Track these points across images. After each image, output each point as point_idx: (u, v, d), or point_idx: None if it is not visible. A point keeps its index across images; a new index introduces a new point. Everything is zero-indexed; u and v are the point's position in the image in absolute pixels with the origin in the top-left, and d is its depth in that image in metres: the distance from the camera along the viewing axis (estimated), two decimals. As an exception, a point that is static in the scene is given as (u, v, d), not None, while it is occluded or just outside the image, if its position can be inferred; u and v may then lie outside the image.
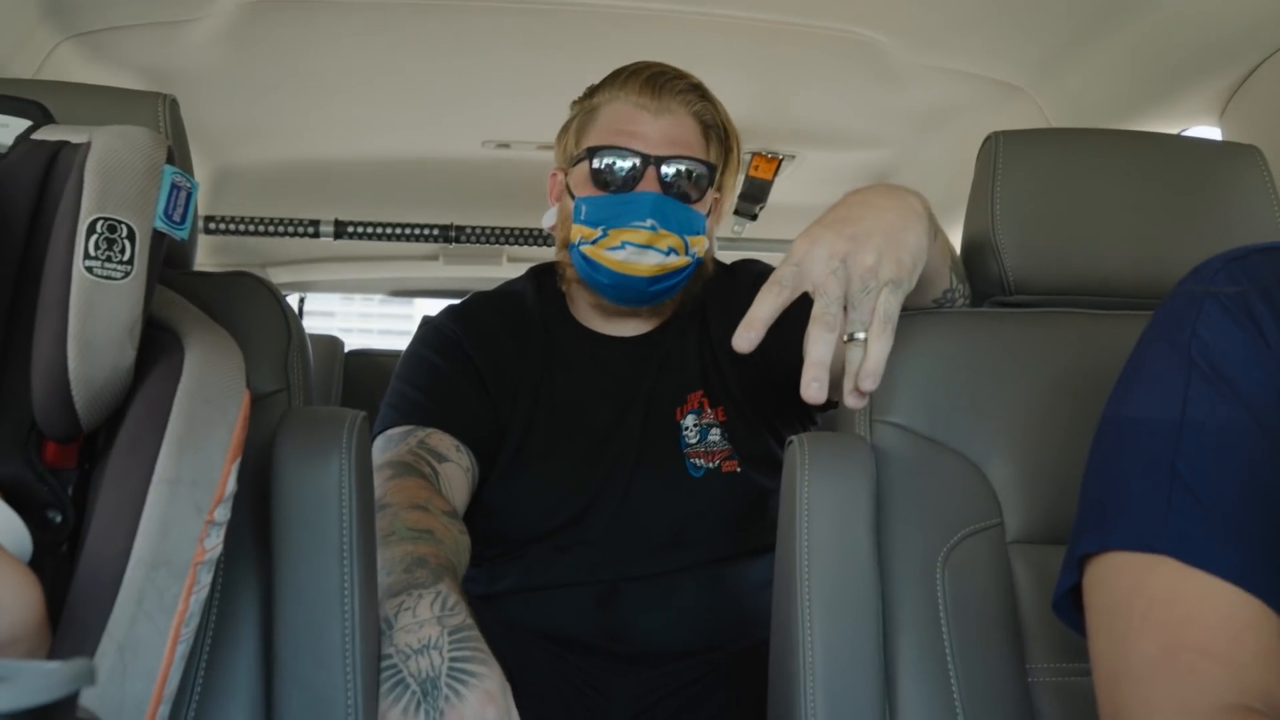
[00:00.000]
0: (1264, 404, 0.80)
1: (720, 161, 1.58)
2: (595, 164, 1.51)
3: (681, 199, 1.50)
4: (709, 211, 1.57)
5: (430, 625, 1.04)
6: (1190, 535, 0.78)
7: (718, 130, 1.57)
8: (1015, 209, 1.29)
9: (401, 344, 1.82)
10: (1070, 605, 0.87)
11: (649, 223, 1.47)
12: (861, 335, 0.98)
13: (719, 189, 1.60)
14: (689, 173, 1.51)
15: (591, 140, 1.54)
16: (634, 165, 1.49)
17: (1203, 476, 0.79)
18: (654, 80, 1.53)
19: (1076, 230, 1.29)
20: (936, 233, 1.12)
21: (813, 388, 0.96)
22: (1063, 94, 2.08)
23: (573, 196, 1.54)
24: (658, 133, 1.51)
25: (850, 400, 0.99)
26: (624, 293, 1.53)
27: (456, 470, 1.42)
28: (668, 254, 1.48)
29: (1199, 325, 0.84)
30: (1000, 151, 1.31)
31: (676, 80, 1.54)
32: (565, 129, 1.62)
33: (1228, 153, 1.35)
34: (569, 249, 1.54)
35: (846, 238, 1.00)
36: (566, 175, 1.58)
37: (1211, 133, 1.86)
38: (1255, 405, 0.80)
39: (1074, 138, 1.37)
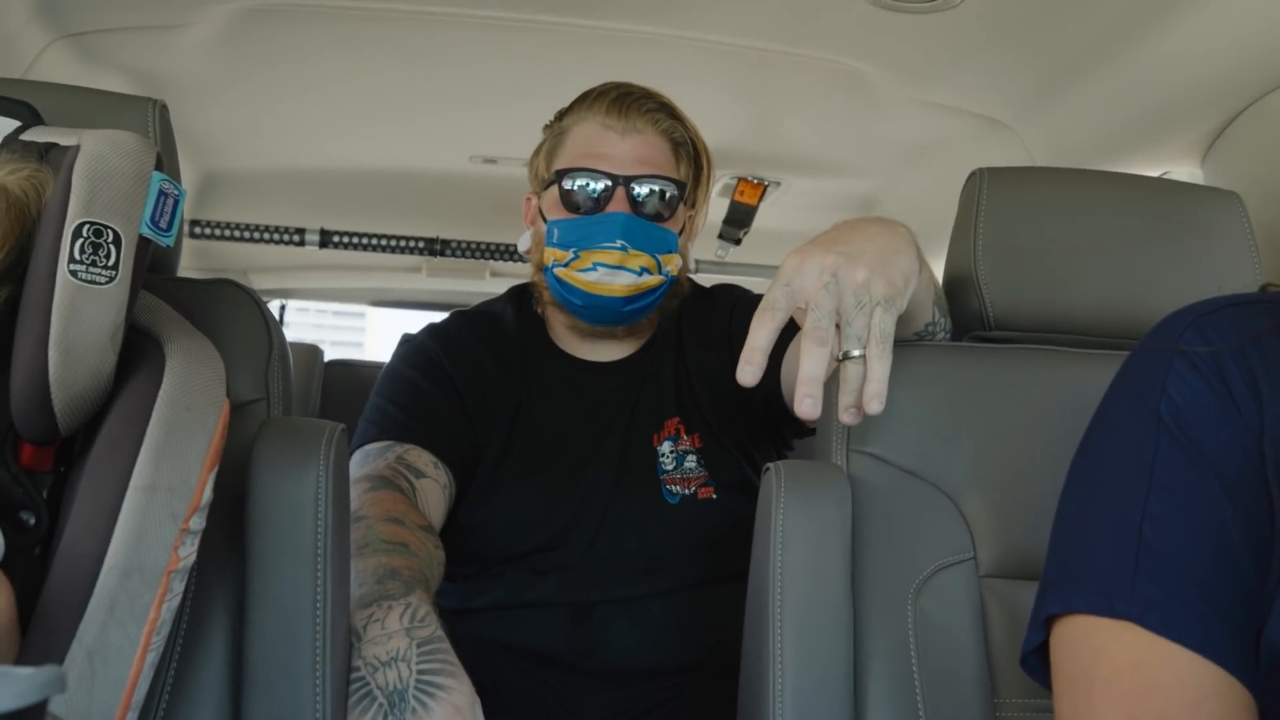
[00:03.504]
0: (1232, 468, 0.80)
1: (690, 179, 1.58)
2: (565, 186, 1.52)
3: (653, 218, 1.51)
4: (681, 229, 1.57)
5: (399, 637, 1.04)
6: (1155, 602, 0.77)
7: (687, 148, 1.58)
8: (998, 245, 1.30)
9: (352, 355, 1.82)
10: (1037, 661, 0.87)
11: (619, 243, 1.47)
12: (857, 353, 0.98)
13: (691, 206, 1.61)
14: (659, 192, 1.51)
15: (561, 163, 1.55)
16: (603, 186, 1.50)
17: (1169, 541, 0.79)
18: (620, 100, 1.54)
19: (1058, 268, 1.30)
20: (922, 265, 1.12)
21: (806, 404, 0.96)
22: (1047, 131, 2.10)
23: (545, 220, 1.55)
24: (625, 153, 1.51)
25: (846, 417, 0.99)
26: (598, 313, 1.53)
27: (434, 486, 1.42)
28: (640, 274, 1.49)
29: (1169, 384, 0.83)
30: (984, 188, 1.32)
31: (644, 100, 1.55)
32: (536, 153, 1.62)
33: (1209, 198, 1.37)
34: (543, 272, 1.55)
35: (837, 253, 1.00)
36: (539, 198, 1.59)
37: (1193, 176, 1.88)
38: (1223, 469, 0.80)
39: (1057, 176, 1.39)
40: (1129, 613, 0.78)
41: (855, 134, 2.43)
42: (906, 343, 1.25)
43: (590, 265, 1.48)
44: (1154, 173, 1.94)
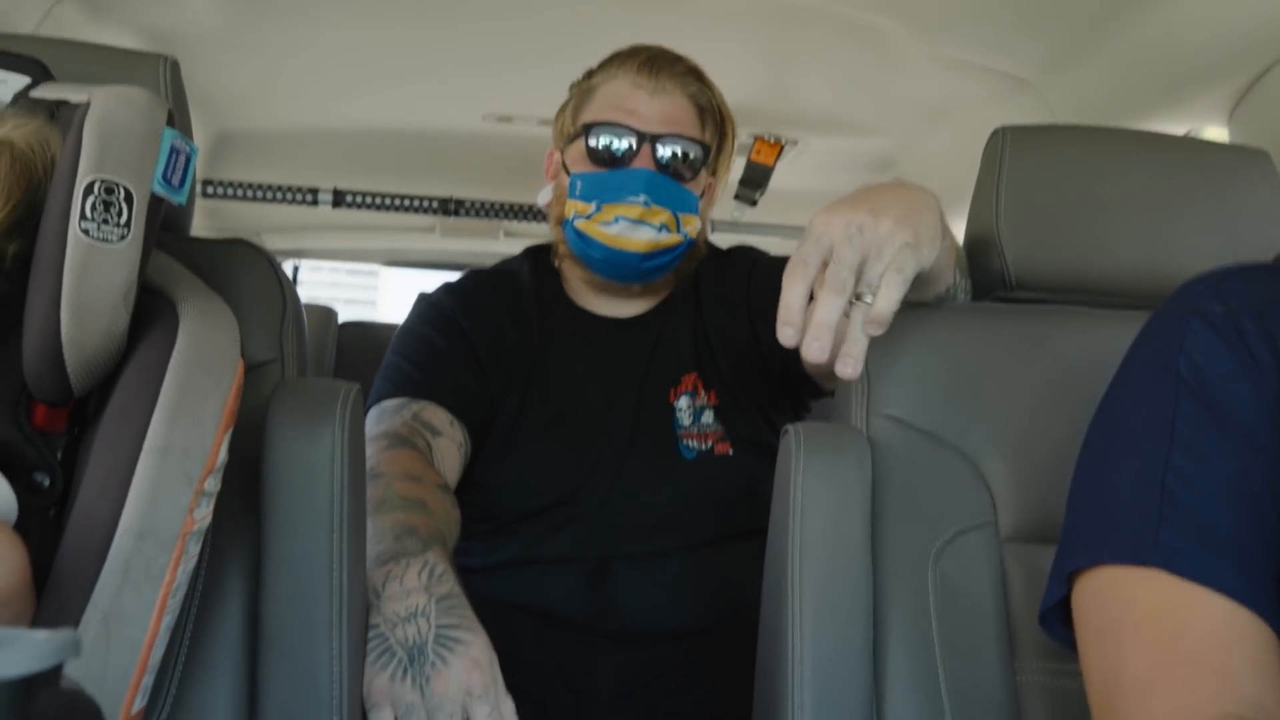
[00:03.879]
0: (1252, 422, 0.80)
1: (714, 144, 1.58)
2: (591, 140, 1.52)
3: (675, 178, 1.51)
4: (702, 194, 1.58)
5: (417, 593, 1.04)
6: (1181, 549, 0.78)
7: (713, 114, 1.58)
8: (1020, 205, 1.28)
9: (366, 313, 1.81)
10: (1057, 618, 0.87)
11: (642, 198, 1.48)
12: (869, 299, 0.97)
13: (713, 172, 1.61)
14: (683, 152, 1.52)
15: (588, 117, 1.55)
16: (629, 142, 1.50)
17: (1192, 492, 0.79)
18: (652, 61, 1.55)
19: (1081, 228, 1.28)
20: (945, 232, 1.11)
21: (814, 347, 0.95)
22: (1069, 90, 2.07)
23: (568, 173, 1.55)
24: (654, 112, 1.52)
25: (842, 367, 0.97)
26: (616, 269, 1.53)
27: (450, 445, 1.42)
28: (660, 230, 1.49)
29: (1187, 343, 0.84)
30: (1007, 147, 1.30)
31: (674, 63, 1.56)
32: (563, 109, 1.63)
33: (1237, 156, 1.34)
34: (563, 225, 1.55)
35: (864, 210, 0.99)
36: (563, 153, 1.60)
37: (1219, 134, 1.85)
38: (1243, 423, 0.80)
39: (1081, 135, 1.36)
40: (1156, 559, 0.78)
41: (874, 91, 2.40)
42: (926, 304, 1.23)
43: (612, 219, 1.48)
44: (1179, 131, 1.91)
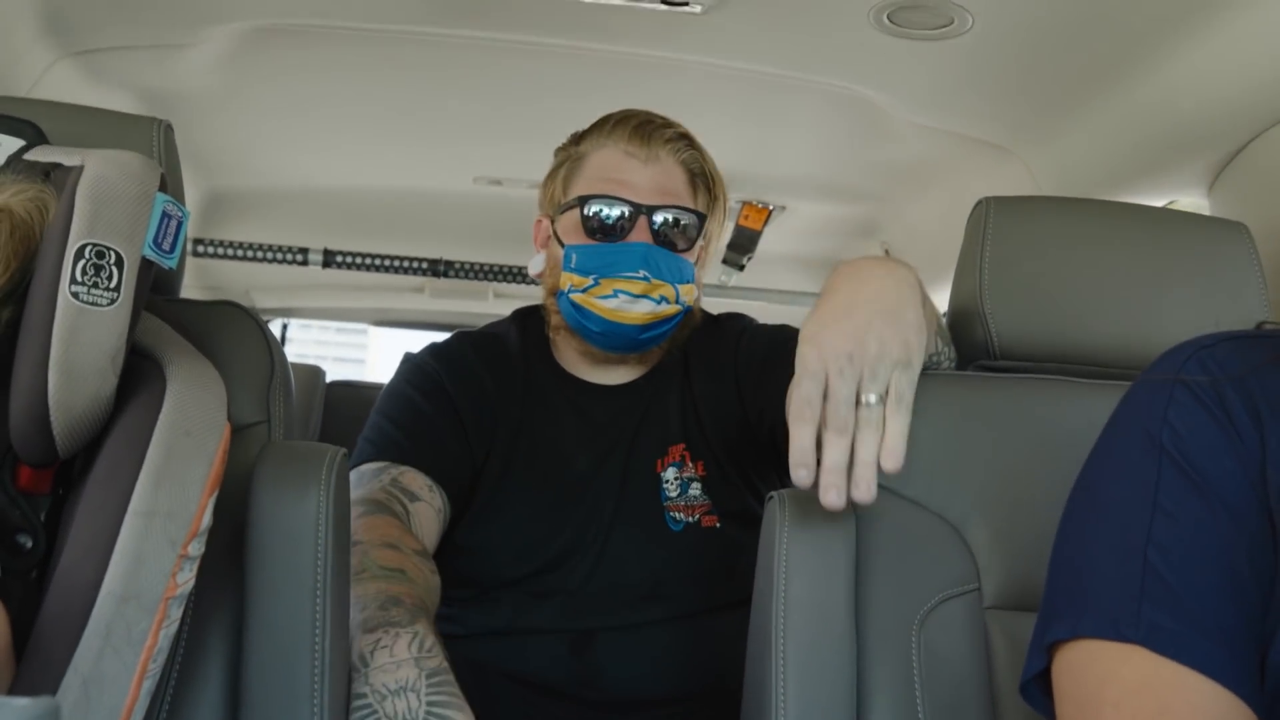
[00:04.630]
0: (1236, 495, 0.80)
1: (707, 210, 1.58)
2: (586, 212, 1.51)
3: (671, 248, 1.51)
4: (696, 260, 1.57)
5: (408, 666, 1.03)
6: (1163, 625, 0.77)
7: (704, 179, 1.58)
8: (1003, 275, 1.29)
9: (355, 371, 1.81)
10: (1039, 689, 0.86)
11: (642, 273, 1.47)
12: (872, 399, 0.99)
13: (705, 237, 1.60)
14: (679, 222, 1.51)
15: (581, 188, 1.54)
16: (625, 214, 1.49)
17: (1175, 566, 0.79)
18: (643, 128, 1.54)
19: (1063, 298, 1.30)
20: (925, 301, 1.13)
21: (831, 494, 0.98)
22: (1053, 159, 2.10)
23: (561, 244, 1.54)
24: (647, 181, 1.51)
25: (858, 493, 1.00)
26: (614, 340, 1.52)
27: (428, 510, 1.41)
28: (659, 303, 1.48)
29: (1170, 413, 0.84)
30: (990, 217, 1.32)
31: (665, 128, 1.55)
32: (551, 175, 1.61)
33: (1216, 228, 1.36)
34: (557, 296, 1.54)
35: (847, 335, 1.01)
36: (554, 222, 1.58)
37: (1199, 205, 1.87)
38: (1227, 496, 0.80)
39: (1064, 206, 1.38)
40: (1136, 636, 0.77)
41: (860, 159, 2.43)
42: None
43: (611, 292, 1.47)
44: (1160, 202, 1.94)
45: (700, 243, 1.58)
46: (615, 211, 1.50)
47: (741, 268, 2.80)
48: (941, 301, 1.34)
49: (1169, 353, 0.89)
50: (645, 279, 1.47)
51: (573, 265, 1.50)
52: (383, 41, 1.98)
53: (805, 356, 1.02)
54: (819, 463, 1.00)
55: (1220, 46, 1.58)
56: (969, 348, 1.32)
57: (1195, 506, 0.80)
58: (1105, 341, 1.29)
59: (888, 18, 1.72)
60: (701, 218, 1.55)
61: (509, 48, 2.00)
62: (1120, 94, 1.80)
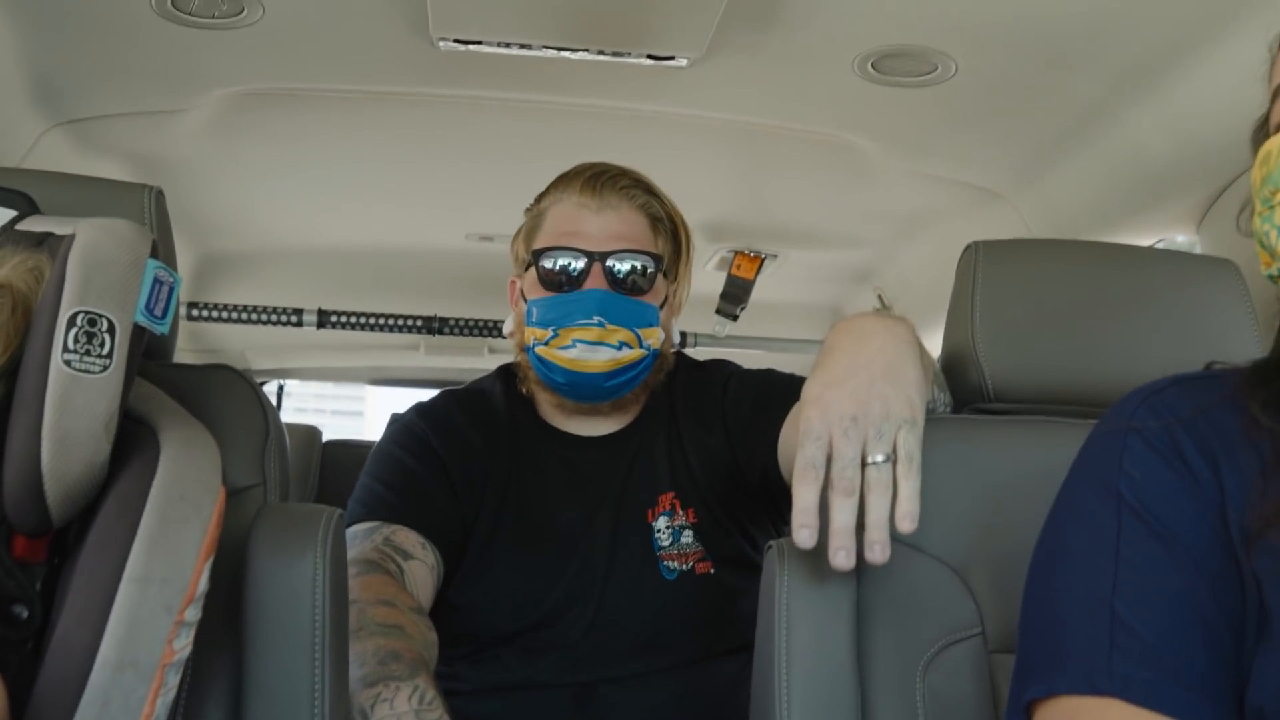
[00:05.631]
0: (1197, 539, 0.80)
1: (668, 252, 1.59)
2: (542, 265, 1.53)
3: (630, 292, 1.52)
4: (664, 303, 1.58)
5: (408, 718, 1.02)
6: (1134, 675, 0.77)
7: (665, 223, 1.59)
8: (995, 318, 1.30)
9: (352, 425, 1.81)
10: None
11: (596, 319, 1.48)
12: (879, 458, 1.00)
13: (673, 280, 1.61)
14: (636, 266, 1.52)
15: (538, 243, 1.56)
16: (579, 263, 1.51)
17: (1142, 616, 0.79)
18: (595, 179, 1.55)
19: (1056, 340, 1.30)
20: (921, 353, 1.14)
21: (840, 556, 0.99)
22: (1042, 201, 2.11)
23: (525, 300, 1.56)
24: (601, 229, 1.53)
25: (872, 555, 1.01)
26: (581, 390, 1.53)
27: (422, 568, 1.41)
28: (619, 349, 1.49)
29: (1125, 461, 0.84)
30: (980, 261, 1.32)
31: (619, 177, 1.56)
32: (516, 236, 1.64)
33: (1205, 266, 1.37)
34: (525, 351, 1.55)
35: (850, 397, 1.02)
36: (521, 280, 1.60)
37: (1190, 243, 1.88)
38: (1188, 541, 0.80)
39: (1052, 248, 1.39)
40: (1111, 688, 0.77)
41: (851, 206, 2.44)
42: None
43: (569, 342, 1.48)
44: (1150, 240, 1.95)
45: (665, 284, 1.58)
46: (567, 261, 1.51)
47: (735, 317, 2.80)
48: (936, 344, 1.35)
49: (1121, 402, 0.90)
50: (600, 325, 1.48)
51: (534, 319, 1.52)
52: (370, 102, 2.00)
53: (809, 419, 1.02)
54: (824, 522, 1.00)
55: (1203, 84, 1.60)
56: (964, 391, 1.32)
57: (1157, 554, 0.80)
58: (1099, 381, 1.29)
59: (871, 66, 1.74)
60: (658, 259, 1.55)
61: (497, 106, 2.02)
62: (1106, 135, 1.82)
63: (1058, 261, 1.34)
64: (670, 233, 1.59)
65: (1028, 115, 1.85)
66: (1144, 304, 1.31)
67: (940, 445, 1.22)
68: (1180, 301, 1.31)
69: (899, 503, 0.99)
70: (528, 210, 1.64)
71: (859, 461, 1.00)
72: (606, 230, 1.52)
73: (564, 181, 1.58)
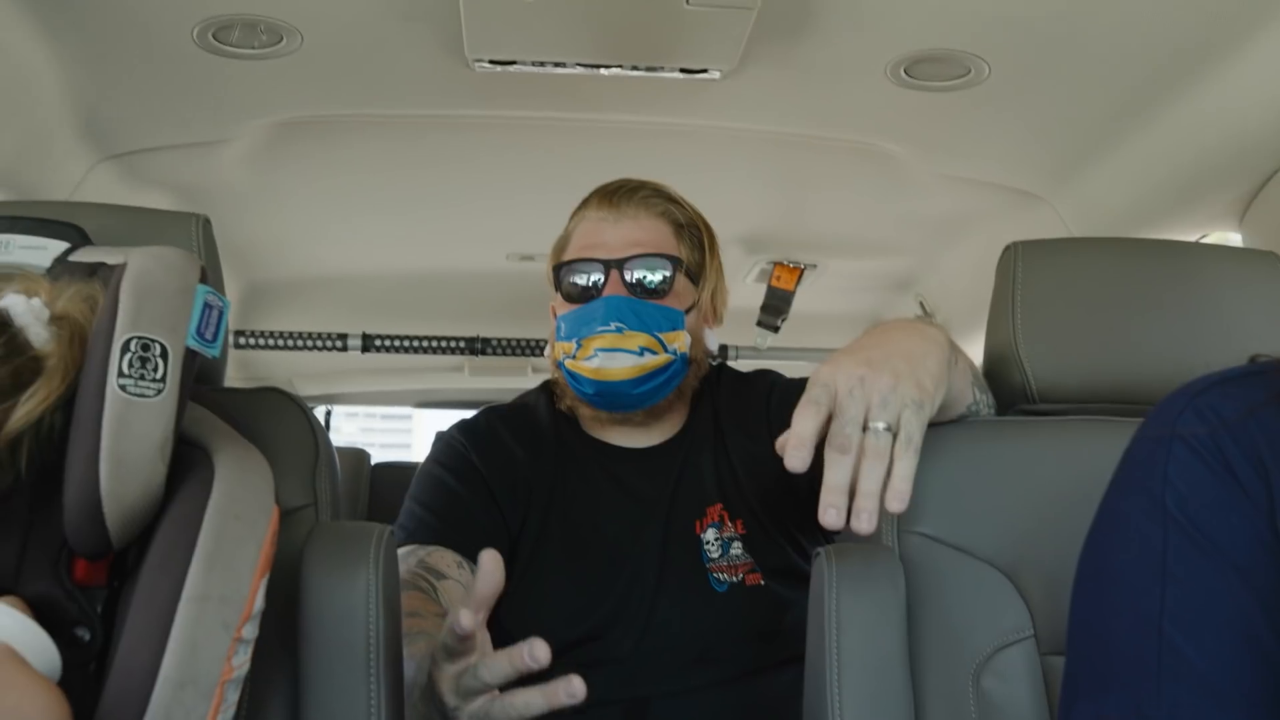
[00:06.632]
0: (1244, 554, 0.78)
1: (691, 258, 1.59)
2: (564, 280, 1.55)
3: (650, 296, 1.52)
4: (691, 307, 1.58)
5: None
6: (1184, 702, 0.75)
7: (690, 229, 1.60)
8: (1036, 318, 1.29)
9: (398, 456, 1.83)
10: None
11: (614, 326, 1.49)
12: (880, 426, 0.99)
13: (701, 284, 1.61)
14: (653, 269, 1.53)
15: (560, 259, 1.58)
16: (596, 274, 1.52)
17: (1191, 637, 0.77)
18: (613, 194, 1.57)
19: (1098, 338, 1.29)
20: (958, 358, 1.14)
21: (830, 514, 0.97)
22: (1081, 201, 2.10)
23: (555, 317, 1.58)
24: (618, 239, 1.54)
25: (858, 523, 0.99)
26: (610, 399, 1.53)
27: (456, 587, 1.41)
28: (640, 354, 1.49)
29: (1171, 471, 0.82)
30: (1020, 261, 1.32)
31: (637, 189, 1.58)
32: (549, 260, 1.65)
33: (1245, 260, 1.36)
34: (559, 368, 1.57)
35: (863, 361, 1.02)
36: (554, 301, 1.62)
37: (1232, 238, 1.87)
38: (1237, 555, 0.78)
39: (1092, 246, 1.38)
40: (1158, 715, 0.76)
41: (888, 213, 2.44)
42: (949, 422, 1.24)
43: (591, 352, 1.49)
44: (1192, 238, 1.93)
45: (691, 288, 1.59)
46: (585, 272, 1.53)
47: (776, 329, 2.80)
48: (979, 351, 1.34)
49: (1164, 404, 0.87)
50: (618, 330, 1.49)
51: (561, 334, 1.54)
52: (408, 126, 2.03)
53: (818, 372, 1.02)
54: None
55: (1242, 78, 1.59)
56: (1007, 393, 1.32)
57: (1206, 572, 0.78)
58: (1143, 378, 1.28)
59: (904, 71, 1.74)
60: (676, 261, 1.55)
61: (533, 125, 2.04)
62: (1144, 132, 1.81)
63: (1097, 259, 1.34)
64: (694, 238, 1.60)
65: (1063, 115, 1.84)
66: (1186, 299, 1.30)
67: (985, 448, 1.22)
68: (1223, 295, 1.30)
69: (891, 481, 0.98)
70: (559, 237, 1.66)
71: (860, 422, 0.99)
72: (624, 239, 1.54)
73: (586, 201, 1.61)
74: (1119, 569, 0.83)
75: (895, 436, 1.00)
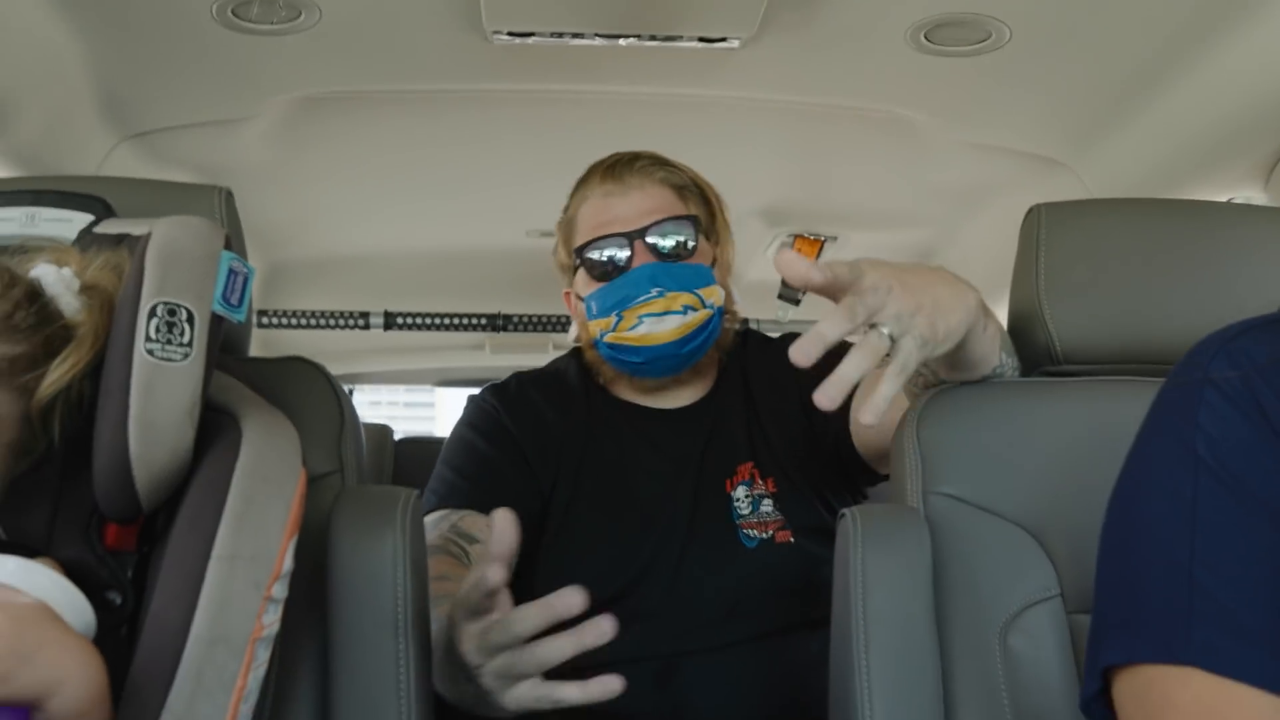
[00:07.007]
0: (1275, 495, 0.77)
1: (702, 215, 1.60)
2: (589, 259, 1.55)
3: (679, 258, 1.54)
4: (714, 262, 1.60)
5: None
6: (1216, 645, 0.75)
7: (691, 189, 1.61)
8: (1060, 280, 1.29)
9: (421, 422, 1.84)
10: (1099, 706, 0.84)
11: (655, 292, 1.50)
12: (884, 330, 0.98)
13: (715, 240, 1.63)
14: (675, 232, 1.54)
15: (578, 242, 1.58)
16: (622, 249, 1.53)
17: (1223, 581, 0.76)
18: (612, 167, 1.59)
19: (1123, 299, 1.29)
20: (988, 323, 1.14)
21: (798, 353, 0.94)
22: (1104, 166, 2.09)
23: (581, 300, 1.58)
24: (631, 210, 1.55)
25: (820, 396, 0.95)
26: (660, 364, 1.55)
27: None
28: (685, 313, 1.51)
29: (1202, 416, 0.81)
30: (1043, 224, 1.31)
31: (634, 159, 1.59)
32: (556, 249, 1.66)
33: (1271, 218, 1.35)
34: (595, 346, 1.57)
35: (897, 275, 1.01)
36: (572, 286, 1.63)
37: (1259, 200, 1.85)
38: (1267, 497, 0.77)
39: (1116, 208, 1.37)
40: (1190, 658, 0.75)
41: (910, 183, 2.43)
42: (974, 383, 1.24)
43: (636, 321, 1.50)
44: (1218, 199, 1.92)
45: (710, 245, 1.60)
46: (611, 248, 1.54)
47: (798, 302, 2.79)
48: (1002, 319, 1.34)
49: (1194, 351, 0.87)
50: (661, 294, 1.50)
51: (594, 312, 1.54)
52: (426, 101, 2.03)
53: (859, 262, 1.00)
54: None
55: (1266, 38, 1.57)
56: (1031, 355, 1.31)
57: (1237, 516, 0.78)
58: (1168, 338, 1.27)
59: (925, 37, 1.73)
60: (695, 220, 1.57)
61: (552, 98, 2.03)
62: (1166, 94, 1.79)
63: (1121, 221, 1.33)
64: (699, 196, 1.61)
65: (1085, 78, 1.82)
66: (1210, 259, 1.30)
67: (1011, 408, 1.22)
68: (1251, 254, 1.29)
69: (871, 395, 0.97)
70: (559, 224, 1.67)
71: (869, 314, 0.97)
72: (638, 209, 1.55)
73: (583, 182, 1.62)
74: (1149, 514, 0.83)
75: (890, 354, 0.99)
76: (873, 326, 0.99)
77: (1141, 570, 0.81)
